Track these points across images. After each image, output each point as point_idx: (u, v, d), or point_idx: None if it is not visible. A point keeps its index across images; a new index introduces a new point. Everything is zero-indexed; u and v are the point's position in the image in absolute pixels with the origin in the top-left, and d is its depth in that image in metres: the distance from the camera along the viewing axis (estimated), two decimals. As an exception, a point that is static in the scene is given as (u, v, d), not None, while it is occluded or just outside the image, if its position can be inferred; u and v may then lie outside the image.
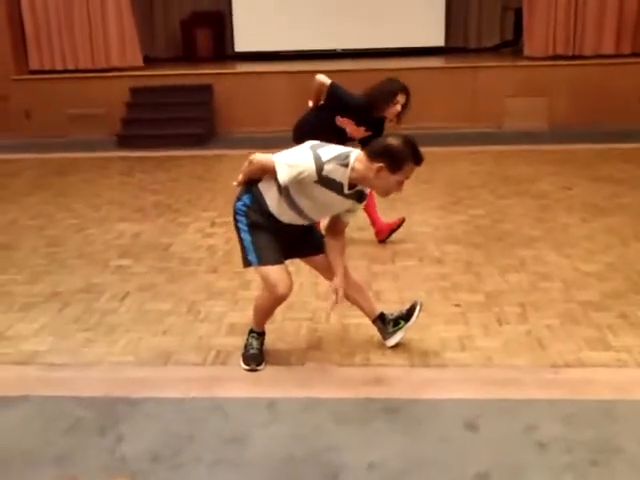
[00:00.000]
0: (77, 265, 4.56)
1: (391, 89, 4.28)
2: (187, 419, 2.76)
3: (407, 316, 3.24)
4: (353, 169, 2.81)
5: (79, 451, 2.58)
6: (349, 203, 2.96)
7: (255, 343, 3.19)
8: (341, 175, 2.81)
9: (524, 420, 2.68)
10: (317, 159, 2.78)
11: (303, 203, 2.92)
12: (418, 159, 2.82)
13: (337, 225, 3.08)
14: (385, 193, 2.94)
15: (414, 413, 2.76)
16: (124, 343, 3.43)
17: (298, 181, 2.81)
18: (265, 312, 3.18)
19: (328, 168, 2.78)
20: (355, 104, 4.31)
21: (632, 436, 2.57)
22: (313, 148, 2.84)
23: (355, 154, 2.85)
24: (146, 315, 3.75)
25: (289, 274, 3.03)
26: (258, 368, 3.12)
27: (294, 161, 2.80)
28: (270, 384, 3.03)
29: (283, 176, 2.80)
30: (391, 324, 3.25)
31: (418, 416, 2.74)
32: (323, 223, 3.23)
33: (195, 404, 2.87)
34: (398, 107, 4.27)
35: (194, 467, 2.47)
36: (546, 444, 2.53)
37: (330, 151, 2.83)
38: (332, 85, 4.31)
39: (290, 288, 3.01)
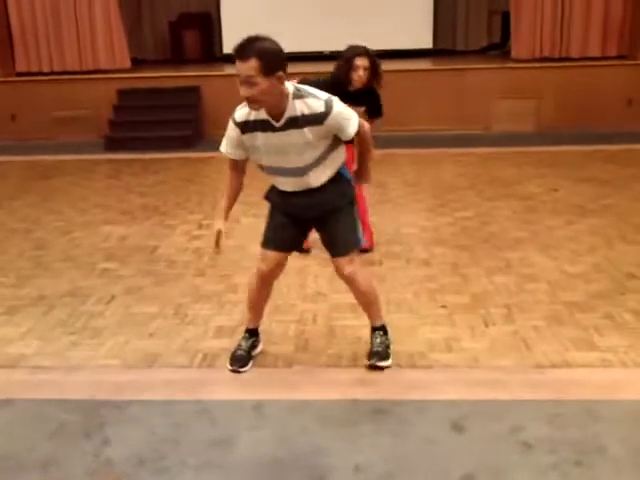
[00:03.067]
0: (63, 268, 4.54)
1: (347, 55, 4.16)
2: (173, 422, 2.75)
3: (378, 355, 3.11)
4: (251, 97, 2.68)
5: (64, 455, 2.56)
6: (299, 134, 2.73)
7: (244, 344, 3.19)
8: (247, 112, 2.77)
9: (510, 421, 2.69)
10: (231, 117, 2.86)
11: (268, 161, 2.86)
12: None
13: (356, 143, 2.97)
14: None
15: (400, 414, 2.76)
16: (110, 346, 3.42)
17: (238, 145, 2.86)
18: (250, 294, 3.17)
19: (236, 114, 2.82)
20: (323, 83, 4.24)
21: (616, 436, 2.58)
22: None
23: None
24: (132, 318, 3.73)
25: (279, 259, 3.03)
26: (241, 370, 3.11)
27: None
28: (256, 386, 3.02)
29: (222, 148, 2.93)
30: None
31: (404, 417, 2.74)
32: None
33: (181, 407, 2.86)
34: (360, 72, 4.12)
35: (179, 470, 2.46)
36: (531, 445, 2.54)
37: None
38: (299, 82, 4.28)
39: (270, 268, 3.02)
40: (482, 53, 11.02)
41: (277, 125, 2.74)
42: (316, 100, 2.72)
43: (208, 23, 11.24)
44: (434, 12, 10.70)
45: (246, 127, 2.80)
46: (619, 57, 9.21)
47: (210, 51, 11.26)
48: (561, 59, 9.20)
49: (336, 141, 2.86)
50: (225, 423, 2.75)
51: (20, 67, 9.71)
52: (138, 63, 10.52)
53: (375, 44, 11.46)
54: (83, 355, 3.34)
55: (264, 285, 3.13)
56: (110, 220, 5.64)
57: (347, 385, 2.99)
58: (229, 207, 3.00)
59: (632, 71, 8.89)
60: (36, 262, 4.67)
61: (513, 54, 9.45)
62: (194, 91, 9.16)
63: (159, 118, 8.93)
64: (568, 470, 2.40)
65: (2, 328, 3.66)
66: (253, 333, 3.24)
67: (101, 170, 7.71)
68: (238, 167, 2.97)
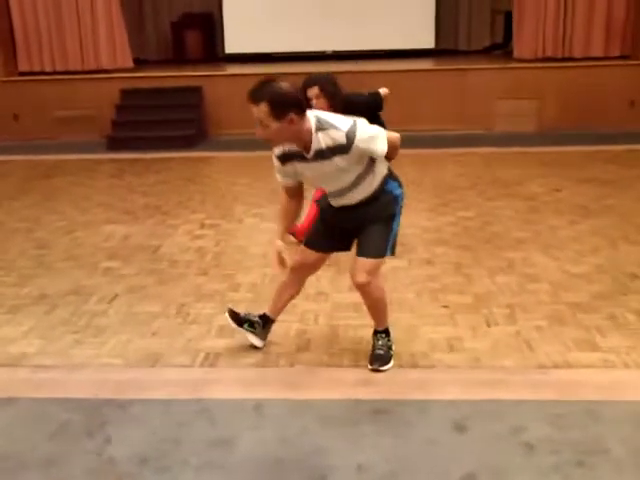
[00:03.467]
0: (65, 267, 4.54)
1: (302, 90, 3.99)
2: (175, 421, 2.75)
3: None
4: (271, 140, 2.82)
5: (66, 454, 2.57)
6: (331, 163, 2.80)
7: (249, 313, 3.34)
8: (278, 149, 2.88)
9: (512, 421, 2.69)
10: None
11: (312, 184, 3.12)
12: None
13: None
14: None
15: (402, 414, 2.76)
16: (112, 345, 3.42)
17: (285, 173, 2.95)
18: (279, 282, 3.35)
19: (275, 150, 2.90)
20: None
21: (618, 437, 2.57)
22: None
23: None
24: (135, 317, 3.74)
25: (313, 258, 3.19)
26: (227, 313, 3.31)
27: None
28: (258, 386, 3.02)
29: (278, 179, 3.02)
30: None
31: (406, 417, 2.74)
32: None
33: (183, 406, 2.86)
34: (313, 102, 4.08)
35: (181, 470, 2.46)
36: (533, 445, 2.54)
37: None
38: None
39: (303, 262, 3.22)
40: (484, 53, 11.00)
41: (308, 157, 2.82)
42: (337, 132, 2.75)
43: (210, 23, 11.23)
44: (436, 12, 10.67)
45: (285, 158, 2.89)
46: (622, 57, 9.19)
47: (212, 51, 11.26)
48: (564, 59, 9.18)
49: (373, 160, 2.92)
50: (226, 423, 2.75)
51: (22, 67, 9.71)
52: (140, 63, 10.51)
53: (377, 44, 11.50)
54: (85, 354, 3.34)
55: (293, 277, 3.26)
56: (112, 219, 5.64)
57: (349, 385, 2.99)
58: (284, 229, 3.10)
59: (634, 72, 8.88)
60: (38, 261, 4.68)
61: (515, 54, 9.43)
62: (196, 91, 9.15)
63: (161, 118, 8.93)
64: (570, 471, 2.39)
65: (4, 327, 3.66)
66: (261, 316, 3.31)
67: (103, 170, 7.72)
68: (290, 192, 3.02)
